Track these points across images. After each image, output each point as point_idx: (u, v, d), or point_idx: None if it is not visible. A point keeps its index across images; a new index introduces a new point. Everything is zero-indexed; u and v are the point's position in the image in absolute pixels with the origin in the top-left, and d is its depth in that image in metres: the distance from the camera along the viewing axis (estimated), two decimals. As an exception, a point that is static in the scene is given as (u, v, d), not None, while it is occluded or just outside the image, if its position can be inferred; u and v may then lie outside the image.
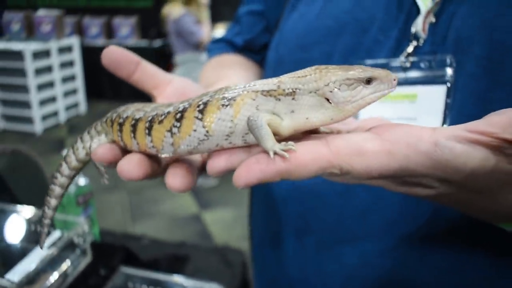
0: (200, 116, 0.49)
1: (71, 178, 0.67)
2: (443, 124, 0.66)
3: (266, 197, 0.95)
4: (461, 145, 0.43)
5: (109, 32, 7.93)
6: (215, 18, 7.42)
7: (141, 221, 3.97)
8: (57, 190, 0.66)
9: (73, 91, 7.08)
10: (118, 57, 0.64)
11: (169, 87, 0.67)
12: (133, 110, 0.59)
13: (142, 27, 7.84)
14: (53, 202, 0.66)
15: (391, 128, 0.46)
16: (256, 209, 1.04)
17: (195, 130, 0.49)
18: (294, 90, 0.47)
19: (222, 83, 0.88)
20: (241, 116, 0.47)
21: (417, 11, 0.72)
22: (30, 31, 7.10)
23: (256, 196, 1.03)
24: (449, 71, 0.67)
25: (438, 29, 0.70)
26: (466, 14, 0.67)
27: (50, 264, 1.12)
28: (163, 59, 7.46)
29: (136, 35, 7.82)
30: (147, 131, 0.53)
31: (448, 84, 0.67)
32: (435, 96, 0.68)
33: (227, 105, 0.48)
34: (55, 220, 1.25)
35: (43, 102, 6.42)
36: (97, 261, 1.25)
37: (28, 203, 1.37)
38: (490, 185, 0.47)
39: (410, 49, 0.71)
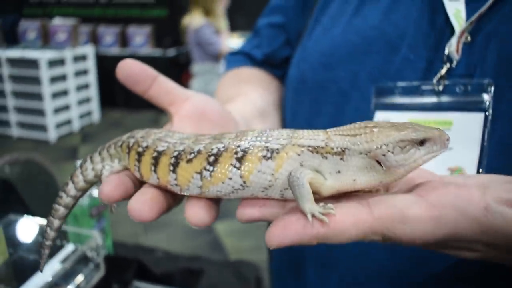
0: (238, 164, 0.46)
1: (77, 199, 0.64)
2: (480, 154, 0.61)
3: None
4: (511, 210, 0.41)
5: (124, 41, 7.99)
6: (230, 27, 7.45)
7: (153, 232, 3.95)
8: (61, 210, 0.63)
9: (87, 100, 7.13)
10: (135, 72, 0.61)
11: (186, 105, 0.63)
12: (154, 139, 0.54)
13: (157, 36, 7.89)
14: (56, 223, 0.63)
15: (438, 189, 0.43)
16: None
17: (230, 178, 0.46)
18: (343, 149, 0.44)
19: (240, 99, 0.85)
20: (283, 170, 0.45)
21: (451, 30, 0.67)
22: (46, 39, 7.18)
23: None
24: (486, 97, 0.61)
25: (473, 50, 0.65)
26: (507, 34, 0.62)
27: (64, 278, 1.10)
28: (178, 68, 7.50)
29: (150, 44, 7.87)
30: (171, 167, 0.50)
31: (487, 113, 0.62)
32: (471, 124, 0.63)
33: (269, 157, 0.45)
34: (69, 233, 1.23)
35: (57, 110, 6.47)
36: (110, 275, 1.23)
37: (41, 213, 1.36)
38: None
39: (442, 71, 0.66)
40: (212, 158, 0.47)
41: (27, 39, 7.27)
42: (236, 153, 0.46)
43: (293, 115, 0.87)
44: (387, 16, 0.75)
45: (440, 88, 0.66)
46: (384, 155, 0.43)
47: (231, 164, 0.46)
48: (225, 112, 0.67)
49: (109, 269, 1.23)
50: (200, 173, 0.48)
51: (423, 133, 0.44)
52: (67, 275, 1.10)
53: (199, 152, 0.49)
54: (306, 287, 0.85)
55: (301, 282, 0.86)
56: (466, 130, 0.63)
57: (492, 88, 0.61)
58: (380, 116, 0.71)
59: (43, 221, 1.25)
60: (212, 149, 0.48)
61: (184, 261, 1.55)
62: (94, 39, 7.93)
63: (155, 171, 0.52)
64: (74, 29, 7.02)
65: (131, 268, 1.29)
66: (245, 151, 0.46)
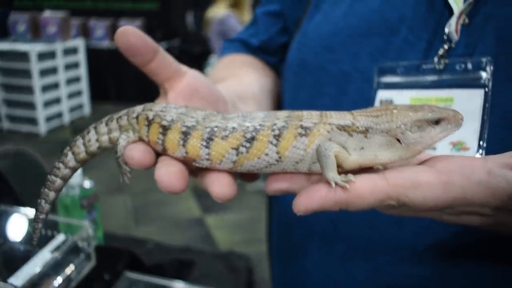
0: (275, 141, 0.50)
1: (75, 171, 0.63)
2: (481, 128, 0.64)
3: (289, 200, 0.91)
4: None
5: (115, 33, 7.93)
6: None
7: (144, 224, 3.95)
8: (57, 182, 0.61)
9: (78, 93, 7.08)
10: (136, 43, 0.59)
11: (182, 81, 0.63)
12: (177, 113, 0.55)
13: (148, 29, 7.84)
14: (51, 195, 0.61)
15: (444, 159, 0.47)
16: (275, 213, 1.01)
17: (267, 154, 0.50)
18: (367, 128, 0.49)
19: (230, 80, 0.86)
20: (314, 145, 0.49)
21: (449, 12, 0.69)
22: (36, 32, 7.11)
23: (275, 199, 1.01)
24: (485, 74, 0.65)
25: (472, 31, 0.67)
26: (505, 15, 0.64)
27: (54, 268, 1.10)
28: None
29: (141, 37, 7.82)
30: (205, 143, 0.52)
31: (486, 88, 0.65)
32: (472, 100, 0.65)
33: (303, 135, 0.49)
34: (60, 223, 1.23)
35: (47, 103, 6.42)
36: (101, 266, 1.23)
37: (31, 205, 1.36)
38: None
39: (442, 51, 0.69)
40: (249, 135, 0.51)
41: (17, 31, 7.19)
42: (273, 130, 0.50)
43: (293, 97, 0.89)
44: (386, 0, 0.77)
45: (441, 66, 0.69)
46: (403, 133, 0.48)
47: (269, 141, 0.50)
48: (216, 91, 0.67)
49: (100, 260, 1.23)
50: (237, 149, 0.51)
51: (438, 113, 0.49)
52: (57, 265, 1.10)
53: (234, 129, 0.51)
54: (309, 264, 0.86)
55: (304, 260, 0.87)
56: (466, 106, 0.66)
57: (491, 66, 0.64)
58: (383, 95, 0.74)
59: (33, 211, 1.25)
60: (248, 127, 0.51)
61: (176, 252, 1.55)
62: (85, 32, 7.86)
63: (183, 145, 0.53)
64: (64, 22, 6.95)
65: (122, 259, 1.29)
66: (281, 129, 0.50)
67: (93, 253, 1.20)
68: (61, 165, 0.61)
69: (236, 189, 0.52)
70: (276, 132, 0.50)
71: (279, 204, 0.98)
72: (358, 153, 0.49)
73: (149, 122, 0.56)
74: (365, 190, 0.44)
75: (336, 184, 0.45)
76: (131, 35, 0.58)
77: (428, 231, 0.70)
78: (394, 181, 0.45)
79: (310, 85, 0.84)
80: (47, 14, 7.29)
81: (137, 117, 0.58)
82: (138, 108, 0.59)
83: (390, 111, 0.49)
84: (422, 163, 0.50)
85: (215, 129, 0.52)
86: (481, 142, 0.62)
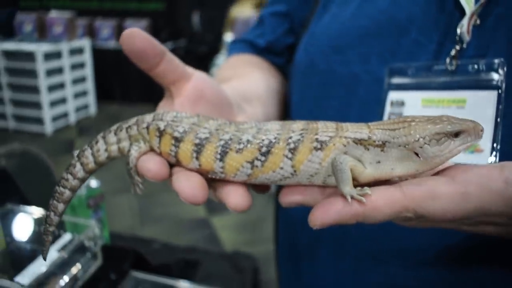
0: (290, 155, 0.49)
1: (84, 181, 0.62)
2: (495, 130, 0.63)
3: (294, 212, 0.91)
4: None
5: (121, 35, 7.94)
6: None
7: (150, 224, 3.95)
8: (66, 193, 0.60)
9: (84, 93, 7.10)
10: (143, 46, 0.57)
11: (188, 85, 0.63)
12: (189, 124, 0.55)
13: (154, 30, 7.86)
14: (60, 207, 0.60)
15: (461, 170, 0.47)
16: (283, 214, 1.00)
17: (281, 168, 0.50)
18: (384, 142, 0.48)
19: (237, 80, 0.86)
20: (329, 159, 0.49)
21: (460, 12, 0.68)
22: (42, 32, 7.14)
23: (282, 210, 0.99)
24: (496, 76, 0.64)
25: (483, 32, 0.66)
26: None
27: (60, 267, 1.10)
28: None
29: (147, 37, 7.83)
30: (219, 156, 0.52)
31: (499, 90, 0.64)
32: (485, 102, 0.64)
33: (319, 148, 0.49)
34: (66, 223, 1.23)
35: (53, 103, 6.44)
36: (108, 265, 1.23)
37: (37, 204, 1.36)
38: None
39: (454, 51, 0.68)
40: (264, 149, 0.50)
41: (23, 31, 7.22)
42: (288, 144, 0.50)
43: (301, 98, 0.88)
44: (395, 1, 0.76)
45: (453, 67, 0.68)
46: (421, 147, 0.47)
47: (284, 155, 0.50)
48: (222, 93, 0.67)
49: (107, 259, 1.23)
50: (252, 162, 0.51)
51: (458, 125, 0.47)
52: (64, 264, 1.10)
53: (249, 142, 0.51)
54: (318, 268, 0.85)
55: (313, 263, 0.86)
56: (479, 107, 0.65)
57: (504, 67, 0.63)
58: (394, 96, 0.73)
59: (40, 210, 1.25)
60: (263, 140, 0.51)
61: (181, 253, 1.55)
62: (91, 32, 7.89)
63: (197, 158, 0.53)
64: (70, 22, 6.98)
65: (128, 258, 1.29)
66: (296, 143, 0.50)
67: (99, 253, 1.20)
68: (69, 176, 0.60)
69: (251, 200, 0.52)
70: (292, 145, 0.50)
71: (286, 211, 0.97)
72: (374, 166, 0.49)
73: (161, 133, 0.55)
74: (382, 202, 0.44)
75: (352, 198, 0.44)
76: (137, 39, 0.57)
77: (440, 234, 0.69)
78: (411, 193, 0.44)
79: (318, 86, 0.83)
80: (53, 14, 7.32)
81: (147, 127, 0.57)
82: (148, 118, 0.58)
83: (408, 124, 0.48)
84: (437, 173, 0.49)
85: (229, 142, 0.52)
86: (494, 144, 0.62)
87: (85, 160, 0.60)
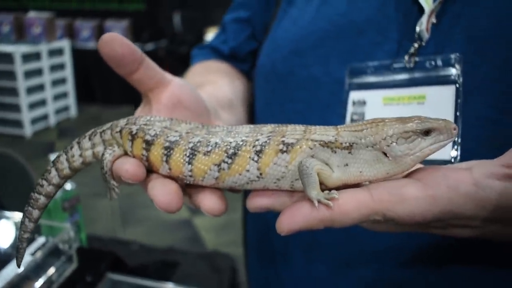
0: (256, 158, 0.49)
1: (59, 188, 0.61)
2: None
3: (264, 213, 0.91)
4: (500, 183, 0.44)
5: (101, 35, 7.83)
6: (208, 22, 7.41)
7: (132, 226, 3.93)
8: (41, 200, 0.59)
9: (64, 94, 7.02)
10: (122, 52, 0.56)
11: (166, 92, 0.62)
12: (160, 127, 0.55)
13: (135, 30, 7.80)
14: (35, 213, 0.59)
15: (430, 172, 0.46)
16: (252, 224, 1.00)
17: (247, 171, 0.49)
18: (351, 144, 0.47)
19: (208, 87, 0.86)
20: (296, 162, 0.48)
21: (418, 11, 0.70)
22: (20, 33, 7.04)
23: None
24: (453, 70, 0.65)
25: (441, 30, 0.68)
26: (475, 15, 0.65)
27: (35, 270, 1.09)
28: (155, 62, 7.42)
29: (128, 38, 7.72)
30: (187, 159, 0.51)
31: (457, 85, 0.65)
32: (444, 97, 0.66)
33: (285, 151, 0.48)
34: (41, 226, 1.22)
35: (32, 105, 6.35)
36: (84, 268, 1.23)
37: (14, 208, 1.34)
38: None
39: (413, 49, 0.69)
40: (231, 151, 0.50)
41: (1, 32, 7.11)
42: (254, 146, 0.49)
43: (265, 103, 0.89)
44: (353, 3, 0.77)
45: (411, 65, 0.69)
46: (388, 146, 0.46)
47: (250, 158, 0.49)
48: (200, 100, 0.67)
49: (83, 262, 1.23)
50: (219, 165, 0.50)
51: (428, 123, 0.46)
52: (38, 268, 1.10)
53: (216, 144, 0.51)
54: (289, 273, 0.85)
55: (284, 268, 0.86)
56: (439, 102, 0.66)
57: (461, 62, 0.65)
58: (355, 96, 0.74)
59: (16, 214, 1.24)
60: (230, 143, 0.50)
61: (160, 254, 1.55)
62: (71, 33, 7.80)
63: (167, 161, 0.52)
64: (49, 23, 6.89)
65: (105, 260, 1.29)
66: (263, 145, 0.49)
67: (74, 255, 1.20)
68: (44, 182, 0.60)
69: (226, 204, 0.52)
70: (258, 148, 0.49)
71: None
72: (342, 170, 0.47)
73: (133, 137, 0.55)
74: (350, 206, 0.43)
75: (319, 202, 0.43)
76: (117, 44, 0.56)
77: (411, 234, 0.69)
78: (379, 196, 0.44)
79: (281, 90, 0.84)
80: (31, 14, 7.22)
81: (120, 131, 0.57)
82: (122, 122, 0.58)
83: (375, 124, 0.47)
84: (407, 175, 0.48)
85: (198, 144, 0.52)
86: (456, 139, 0.63)
87: (60, 165, 0.60)
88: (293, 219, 0.44)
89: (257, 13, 1.00)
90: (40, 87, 6.49)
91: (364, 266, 0.75)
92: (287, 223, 0.44)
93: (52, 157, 1.60)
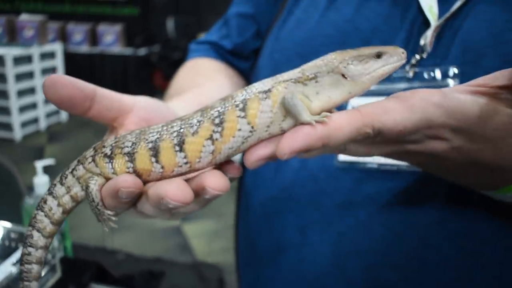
0: (243, 114, 0.50)
1: (47, 249, 0.56)
2: None
3: (256, 210, 0.90)
4: (464, 95, 0.51)
5: (94, 39, 7.86)
6: (201, 27, 7.42)
7: (120, 233, 3.89)
8: (35, 269, 0.55)
9: (55, 98, 6.97)
10: (68, 94, 0.53)
11: (130, 117, 0.60)
12: (135, 136, 0.53)
13: (128, 35, 7.79)
14: (34, 285, 0.55)
15: (406, 92, 0.51)
16: (243, 226, 0.99)
17: (240, 129, 0.50)
18: (316, 74, 0.52)
19: (196, 90, 0.85)
20: (278, 104, 0.50)
21: (420, 24, 0.72)
22: (12, 36, 7.01)
23: (244, 211, 0.98)
24: (451, 82, 0.68)
25: (441, 43, 0.70)
26: (472, 28, 0.68)
27: (16, 281, 1.07)
28: (148, 67, 7.43)
29: (121, 43, 7.76)
30: (177, 147, 0.51)
31: None
32: None
33: (265, 98, 0.51)
34: (23, 235, 1.20)
35: (23, 109, 6.30)
36: (67, 278, 1.20)
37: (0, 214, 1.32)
38: (497, 131, 0.52)
39: (414, 60, 0.72)
40: (217, 120, 0.51)
41: (-8, 35, 7.08)
42: (237, 106, 0.51)
43: None
44: (359, 11, 0.79)
45: (411, 75, 0.72)
46: (345, 67, 0.51)
47: (237, 116, 0.50)
48: (170, 115, 0.65)
49: (66, 272, 1.20)
50: (210, 138, 0.51)
51: (378, 48, 0.53)
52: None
53: (199, 122, 0.51)
54: (278, 275, 0.85)
55: (273, 270, 0.86)
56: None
57: (457, 73, 0.68)
58: (354, 102, 0.76)
59: (1, 222, 1.22)
60: (212, 113, 0.51)
61: (146, 263, 1.53)
62: (63, 36, 7.77)
63: (157, 161, 0.51)
64: (42, 26, 6.87)
65: (89, 271, 1.26)
66: (244, 101, 0.51)
67: (58, 265, 1.18)
68: (30, 249, 0.55)
69: (229, 182, 0.51)
70: (240, 105, 0.50)
71: (245, 207, 0.97)
72: (316, 98, 0.51)
73: (110, 158, 0.53)
74: (343, 122, 0.46)
75: (316, 121, 0.46)
76: (61, 87, 0.53)
77: (399, 235, 0.71)
78: (366, 110, 0.48)
79: None
80: (24, 17, 7.19)
81: (93, 160, 0.54)
82: (90, 152, 0.55)
83: (334, 53, 0.53)
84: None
85: (182, 130, 0.51)
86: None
87: (40, 225, 0.55)
88: (294, 139, 0.45)
89: (263, 11, 0.99)
90: (31, 90, 6.45)
91: (350, 265, 0.76)
92: (288, 145, 0.45)
93: (39, 164, 1.57)
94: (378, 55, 0.52)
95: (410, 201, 0.72)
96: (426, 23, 0.72)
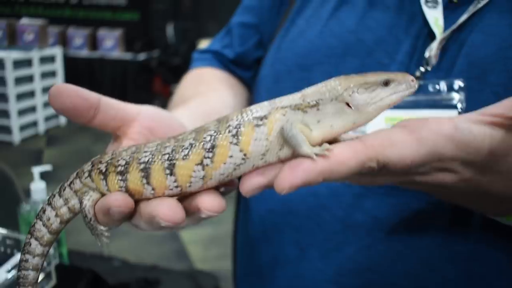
0: (235, 140, 0.48)
1: (44, 257, 0.57)
2: None
3: (255, 224, 0.90)
4: (477, 126, 0.48)
5: (94, 44, 7.88)
6: (201, 33, 7.44)
7: (117, 238, 3.88)
8: (31, 275, 0.56)
9: (54, 102, 6.96)
10: (73, 104, 0.54)
11: (134, 126, 0.60)
12: (128, 154, 0.53)
13: (127, 40, 7.81)
14: None
15: (414, 121, 0.49)
16: (241, 237, 0.99)
17: (231, 156, 0.48)
18: (318, 101, 0.49)
19: (200, 99, 0.84)
20: (274, 132, 0.48)
21: (425, 36, 0.71)
22: (13, 39, 7.02)
23: (242, 223, 0.98)
24: (456, 96, 0.67)
25: (446, 56, 0.69)
26: (478, 42, 0.67)
27: (12, 286, 1.07)
28: (147, 73, 7.43)
29: (120, 48, 7.78)
30: (168, 171, 0.50)
31: (459, 109, 0.67)
32: None
33: (260, 125, 0.48)
34: (21, 242, 1.19)
35: (22, 112, 6.30)
36: (62, 285, 1.20)
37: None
38: (509, 163, 0.50)
39: (419, 73, 0.70)
40: (209, 145, 0.49)
41: (-7, 38, 7.09)
42: (230, 131, 0.49)
43: None
44: (362, 21, 0.77)
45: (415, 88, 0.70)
46: (350, 95, 0.48)
47: (230, 143, 0.48)
48: (175, 125, 0.65)
49: (61, 279, 1.20)
50: (201, 163, 0.49)
51: (386, 75, 0.49)
52: (15, 284, 1.07)
53: (192, 145, 0.50)
54: (278, 284, 0.84)
55: (273, 281, 0.85)
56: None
57: (462, 86, 0.67)
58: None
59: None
60: (205, 138, 0.50)
61: (142, 271, 1.53)
62: (63, 40, 7.79)
63: (148, 183, 0.51)
64: (42, 30, 6.88)
65: (84, 278, 1.26)
66: (238, 127, 0.49)
67: (53, 272, 1.17)
68: (27, 256, 0.56)
69: (225, 203, 0.51)
70: (234, 131, 0.49)
71: (246, 223, 0.96)
72: (316, 127, 0.49)
73: (104, 175, 0.53)
74: (345, 155, 0.44)
75: (316, 155, 0.44)
76: (66, 97, 0.54)
77: (401, 256, 0.70)
78: (371, 143, 0.45)
79: None
80: (24, 21, 7.20)
81: (89, 175, 0.54)
82: (87, 166, 0.56)
83: (338, 79, 0.50)
84: (393, 126, 0.51)
85: (173, 153, 0.50)
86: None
87: (38, 234, 0.56)
88: (294, 174, 0.43)
89: (266, 21, 0.98)
90: (31, 94, 6.45)
91: (351, 282, 0.75)
92: (288, 179, 0.43)
93: (36, 170, 1.57)
94: (386, 83, 0.49)
95: (412, 220, 0.71)
96: (431, 35, 0.71)
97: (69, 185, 0.56)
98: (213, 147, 0.49)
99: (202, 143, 0.49)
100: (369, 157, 0.44)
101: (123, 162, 0.52)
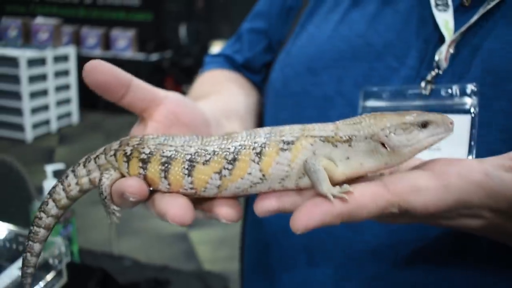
0: (257, 159, 0.48)
1: (58, 219, 0.60)
2: (468, 155, 0.63)
3: (264, 227, 0.89)
4: (508, 174, 0.46)
5: (107, 44, 7.93)
6: (213, 35, 7.46)
7: (127, 238, 3.90)
8: (41, 232, 0.58)
9: (67, 101, 7.03)
10: (106, 80, 0.55)
11: (160, 109, 0.61)
12: (154, 144, 0.54)
13: (140, 40, 7.85)
14: (36, 247, 0.58)
15: (441, 163, 0.47)
16: (250, 239, 0.98)
17: (249, 173, 0.48)
18: (351, 136, 0.47)
19: (213, 97, 0.85)
20: (298, 160, 0.47)
21: (436, 40, 0.70)
22: (27, 38, 7.09)
23: (251, 225, 0.98)
24: (469, 100, 0.65)
25: (458, 61, 0.68)
26: (495, 48, 0.65)
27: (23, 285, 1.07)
28: (160, 73, 7.47)
29: (133, 48, 7.82)
30: (186, 171, 0.50)
31: (472, 114, 0.65)
32: (459, 126, 0.64)
33: (285, 149, 0.48)
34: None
35: (35, 110, 6.36)
36: (73, 283, 1.20)
37: (9, 215, 1.33)
38: None
39: (430, 77, 0.69)
40: (231, 157, 0.49)
41: (8, 36, 7.16)
42: (254, 148, 0.49)
43: (274, 118, 0.87)
44: (372, 25, 0.77)
45: (427, 92, 0.69)
46: (386, 136, 0.47)
47: (251, 160, 0.48)
48: (198, 114, 0.66)
49: (72, 277, 1.20)
50: (219, 172, 0.49)
51: (425, 116, 0.47)
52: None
53: (214, 153, 0.50)
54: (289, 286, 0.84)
55: (280, 284, 0.85)
56: (454, 131, 0.66)
57: (477, 92, 0.65)
58: None
59: (5, 226, 1.22)
60: (229, 148, 0.50)
61: (152, 271, 1.53)
62: (77, 40, 7.85)
63: (165, 177, 0.51)
64: (56, 29, 6.95)
65: (94, 277, 1.26)
66: (263, 146, 0.48)
67: (64, 270, 1.18)
68: (42, 214, 0.58)
69: (242, 211, 0.51)
70: (258, 149, 0.48)
71: (252, 224, 0.96)
72: (344, 163, 0.47)
73: (128, 158, 0.54)
74: (367, 199, 0.43)
75: (334, 196, 0.43)
76: (99, 72, 0.55)
77: (408, 262, 0.69)
78: (394, 187, 0.44)
79: (291, 107, 0.83)
80: (39, 20, 7.28)
81: (114, 154, 0.56)
82: (115, 145, 0.57)
83: (374, 117, 0.48)
84: (417, 167, 0.49)
85: (195, 155, 0.51)
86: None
87: (57, 196, 0.59)
88: (310, 215, 0.42)
89: (276, 26, 0.99)
90: (44, 92, 6.51)
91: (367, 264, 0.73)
92: (303, 220, 0.43)
93: (49, 168, 1.59)
94: (424, 125, 0.47)
95: (420, 225, 0.69)
96: (442, 39, 0.70)
97: (95, 158, 0.58)
98: (234, 159, 0.49)
99: (225, 153, 0.50)
100: (391, 202, 0.43)
101: (147, 151, 0.53)
